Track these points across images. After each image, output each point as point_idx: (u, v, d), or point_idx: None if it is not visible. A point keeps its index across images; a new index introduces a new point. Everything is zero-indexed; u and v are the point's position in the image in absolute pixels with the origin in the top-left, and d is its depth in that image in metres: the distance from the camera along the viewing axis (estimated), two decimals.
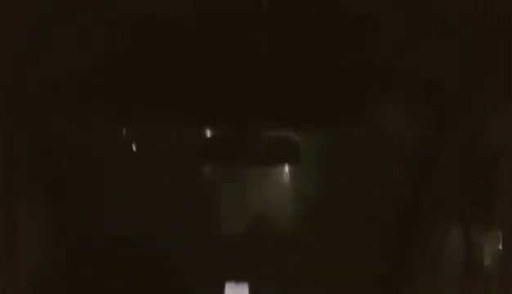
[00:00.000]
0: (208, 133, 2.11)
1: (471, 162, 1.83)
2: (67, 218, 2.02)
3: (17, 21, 1.71)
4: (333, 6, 1.83)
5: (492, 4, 1.65)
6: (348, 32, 1.89)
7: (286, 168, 2.13)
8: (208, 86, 1.98)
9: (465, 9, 1.70)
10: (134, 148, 2.07)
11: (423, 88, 1.93)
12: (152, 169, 2.06)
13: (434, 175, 1.98)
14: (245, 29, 1.90)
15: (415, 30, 1.84)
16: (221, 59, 1.94)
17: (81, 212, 2.03)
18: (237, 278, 2.01)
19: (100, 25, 1.84)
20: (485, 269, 1.70)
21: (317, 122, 2.06)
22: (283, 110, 2.02)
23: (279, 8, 1.85)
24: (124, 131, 2.08)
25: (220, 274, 2.02)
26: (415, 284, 1.99)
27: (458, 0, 1.72)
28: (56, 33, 1.83)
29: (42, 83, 1.88)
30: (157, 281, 2.03)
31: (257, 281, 2.01)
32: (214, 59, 1.94)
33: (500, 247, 1.66)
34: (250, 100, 2.00)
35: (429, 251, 1.96)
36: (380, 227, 2.04)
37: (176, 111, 2.03)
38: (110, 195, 2.06)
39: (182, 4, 1.84)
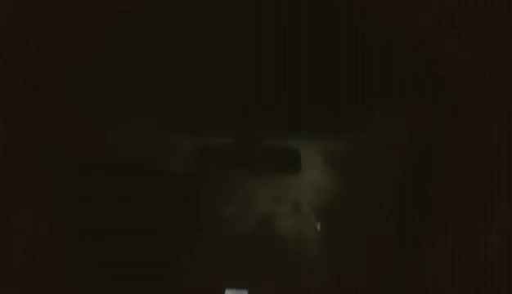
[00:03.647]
0: (208, 142, 2.13)
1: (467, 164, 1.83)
2: (68, 218, 2.02)
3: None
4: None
5: None
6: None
7: (287, 177, 2.14)
8: (209, 94, 1.99)
9: None
10: (134, 154, 2.09)
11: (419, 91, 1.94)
12: (152, 176, 2.07)
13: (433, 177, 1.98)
14: (245, 34, 1.91)
15: None
16: (221, 67, 1.96)
17: (81, 215, 2.04)
18: (237, 286, 2.02)
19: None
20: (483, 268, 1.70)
21: (319, 131, 2.08)
22: (283, 119, 2.04)
23: (278, 14, 1.87)
24: (125, 138, 2.09)
25: (220, 281, 2.03)
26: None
27: None
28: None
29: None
30: (158, 286, 2.03)
31: (257, 288, 2.01)
32: (214, 67, 1.96)
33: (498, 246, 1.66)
34: (251, 108, 2.01)
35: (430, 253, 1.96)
36: (382, 235, 2.04)
37: (175, 119, 2.05)
38: (113, 202, 2.06)
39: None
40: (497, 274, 1.62)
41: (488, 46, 1.71)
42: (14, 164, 1.80)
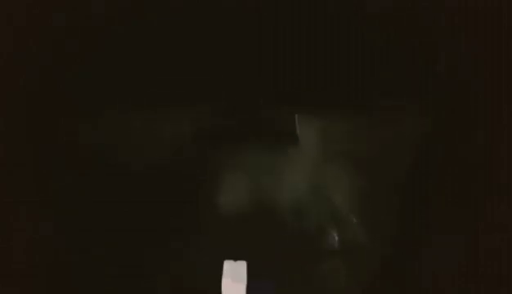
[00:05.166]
0: (208, 116, 2.12)
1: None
2: (69, 218, 2.02)
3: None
4: None
5: None
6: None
7: (286, 150, 2.12)
8: (207, 68, 1.98)
9: None
10: (135, 133, 2.08)
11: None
12: (151, 154, 2.06)
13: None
14: (246, 11, 1.90)
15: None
16: (220, 40, 1.95)
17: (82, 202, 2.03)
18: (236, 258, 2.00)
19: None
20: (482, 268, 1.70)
21: (317, 105, 2.06)
22: (282, 93, 2.03)
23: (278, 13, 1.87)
24: (125, 117, 2.08)
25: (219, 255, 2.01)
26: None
27: None
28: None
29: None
30: (156, 259, 2.02)
31: (256, 263, 1.99)
32: (214, 40, 1.95)
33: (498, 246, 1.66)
34: (249, 82, 2.00)
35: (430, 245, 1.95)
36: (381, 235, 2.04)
37: (174, 94, 2.04)
38: (113, 202, 2.06)
39: None
40: (497, 274, 1.63)
41: (488, 47, 1.71)
42: (14, 164, 1.81)
